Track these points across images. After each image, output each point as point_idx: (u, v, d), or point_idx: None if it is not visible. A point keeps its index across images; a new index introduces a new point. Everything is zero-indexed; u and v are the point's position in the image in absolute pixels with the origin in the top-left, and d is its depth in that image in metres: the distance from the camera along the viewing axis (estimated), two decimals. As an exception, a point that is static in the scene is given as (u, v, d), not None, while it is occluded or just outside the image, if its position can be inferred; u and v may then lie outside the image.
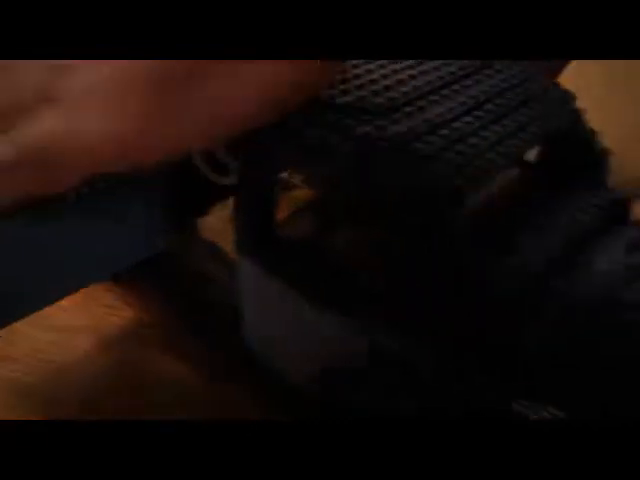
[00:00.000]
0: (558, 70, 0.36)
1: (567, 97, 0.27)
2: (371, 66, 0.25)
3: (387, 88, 0.24)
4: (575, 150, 0.27)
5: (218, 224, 0.30)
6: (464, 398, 0.21)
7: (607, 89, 0.48)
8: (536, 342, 0.21)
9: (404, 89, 0.24)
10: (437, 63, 0.26)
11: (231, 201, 0.26)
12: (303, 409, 0.26)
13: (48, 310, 0.26)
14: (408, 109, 0.23)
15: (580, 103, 0.27)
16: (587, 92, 0.28)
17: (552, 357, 0.21)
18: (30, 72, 0.21)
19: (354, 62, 0.25)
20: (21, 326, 0.26)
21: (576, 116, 0.27)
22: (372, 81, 0.24)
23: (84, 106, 0.20)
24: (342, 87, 0.24)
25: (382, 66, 0.25)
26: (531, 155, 0.28)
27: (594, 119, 0.27)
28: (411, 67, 0.25)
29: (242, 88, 0.21)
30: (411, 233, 0.21)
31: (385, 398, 0.23)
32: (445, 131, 0.22)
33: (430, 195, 0.21)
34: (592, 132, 0.27)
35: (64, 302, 0.27)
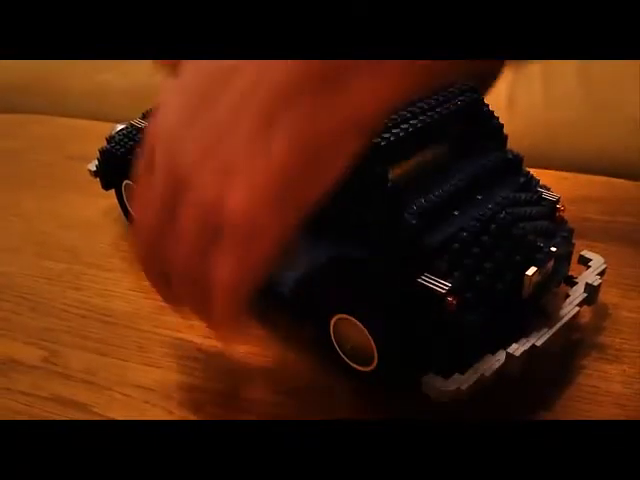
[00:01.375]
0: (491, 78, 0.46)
1: (471, 88, 0.38)
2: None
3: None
4: (479, 124, 0.38)
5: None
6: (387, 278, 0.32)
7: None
8: (440, 239, 0.32)
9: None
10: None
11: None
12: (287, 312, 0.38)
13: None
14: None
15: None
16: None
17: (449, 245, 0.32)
18: None
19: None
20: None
21: (479, 99, 0.38)
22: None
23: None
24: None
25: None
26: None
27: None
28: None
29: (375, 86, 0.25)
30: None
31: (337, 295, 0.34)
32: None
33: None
34: (492, 112, 0.38)
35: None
